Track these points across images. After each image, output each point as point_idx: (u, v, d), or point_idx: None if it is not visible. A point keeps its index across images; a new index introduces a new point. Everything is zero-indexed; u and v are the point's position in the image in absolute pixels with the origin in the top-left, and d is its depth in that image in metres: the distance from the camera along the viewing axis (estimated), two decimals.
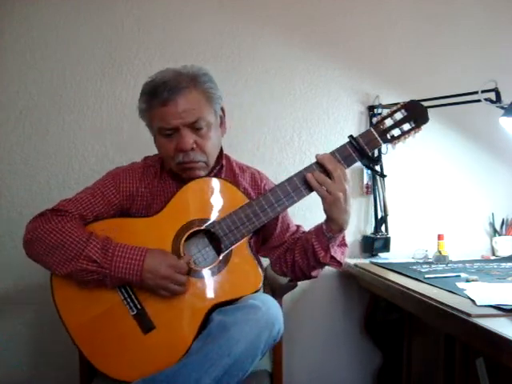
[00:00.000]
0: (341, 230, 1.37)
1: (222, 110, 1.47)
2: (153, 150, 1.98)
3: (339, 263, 1.44)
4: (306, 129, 2.17)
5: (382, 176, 1.43)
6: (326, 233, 1.37)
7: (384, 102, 2.14)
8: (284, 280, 1.59)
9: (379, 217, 2.13)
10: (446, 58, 2.25)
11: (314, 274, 1.48)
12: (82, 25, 2.03)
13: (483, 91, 1.78)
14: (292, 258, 1.48)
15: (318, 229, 1.41)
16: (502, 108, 1.78)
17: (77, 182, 2.01)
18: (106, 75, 2.04)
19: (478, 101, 1.80)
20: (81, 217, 1.36)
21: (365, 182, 2.16)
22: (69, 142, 2.02)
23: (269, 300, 1.28)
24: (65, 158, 2.01)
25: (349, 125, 2.20)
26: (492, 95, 1.80)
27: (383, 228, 2.13)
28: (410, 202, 2.18)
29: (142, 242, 1.31)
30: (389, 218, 2.13)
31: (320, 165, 1.34)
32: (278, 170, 2.11)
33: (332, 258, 1.41)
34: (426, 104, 1.99)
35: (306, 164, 2.14)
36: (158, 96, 1.35)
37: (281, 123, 2.15)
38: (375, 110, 2.14)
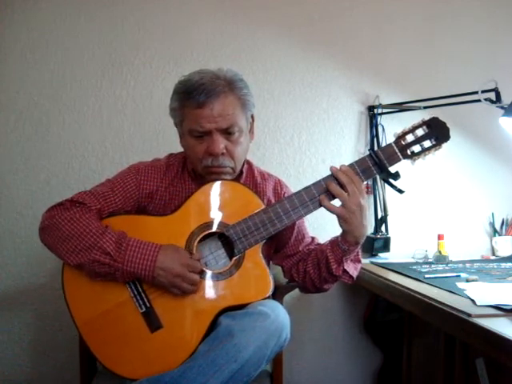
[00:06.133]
0: (357, 242, 1.36)
1: (252, 116, 1.48)
2: (152, 151, 1.99)
3: (351, 277, 1.44)
4: (305, 129, 2.17)
5: (400, 192, 1.43)
6: (340, 245, 1.37)
7: (384, 102, 2.14)
8: (285, 280, 1.59)
9: (379, 217, 2.13)
10: (446, 57, 2.25)
11: (325, 286, 1.47)
12: (82, 25, 2.03)
13: (483, 91, 1.78)
14: (304, 268, 1.48)
15: (334, 241, 1.41)
16: (502, 108, 1.78)
17: (77, 182, 2.01)
18: (106, 75, 2.04)
19: (478, 101, 1.80)
20: (98, 210, 1.37)
21: (365, 183, 2.16)
22: (69, 142, 2.02)
23: (278, 307, 1.28)
24: (65, 158, 2.01)
25: (349, 125, 2.20)
26: (492, 95, 1.80)
27: (383, 228, 2.13)
28: (410, 202, 2.18)
29: (156, 240, 1.31)
30: (389, 218, 2.14)
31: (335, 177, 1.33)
32: (278, 169, 2.11)
33: (344, 271, 1.40)
34: (425, 104, 2.04)
35: (306, 164, 2.18)
36: (194, 97, 1.34)
37: (281, 123, 2.15)
38: (375, 110, 2.15)
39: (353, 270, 1.43)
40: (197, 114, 1.35)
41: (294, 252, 1.52)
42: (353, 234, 1.34)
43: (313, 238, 1.57)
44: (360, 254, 1.45)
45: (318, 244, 1.54)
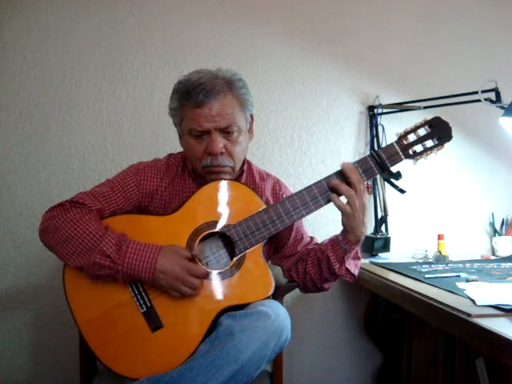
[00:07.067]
0: (358, 241, 1.37)
1: (251, 116, 1.48)
2: (152, 151, 1.99)
3: (353, 276, 1.44)
4: (305, 129, 2.17)
5: (402, 192, 1.43)
6: (342, 244, 1.37)
7: (384, 102, 2.14)
8: (285, 280, 1.59)
9: (379, 217, 2.13)
10: (446, 58, 2.25)
11: (326, 286, 1.47)
12: (82, 25, 2.02)
13: (483, 91, 1.78)
14: (304, 269, 1.48)
15: (334, 240, 1.41)
16: (502, 108, 1.78)
17: (77, 182, 2.01)
18: (106, 75, 2.04)
19: (478, 101, 1.80)
20: (98, 211, 1.36)
21: (365, 182, 2.16)
22: (69, 141, 2.02)
23: (278, 307, 1.28)
24: (65, 158, 2.01)
25: (349, 125, 2.20)
26: (492, 95, 1.80)
27: (383, 228, 2.13)
28: (410, 202, 2.18)
29: (156, 240, 1.31)
30: (389, 218, 2.14)
31: (341, 174, 1.33)
32: (278, 170, 2.11)
33: (346, 270, 1.41)
34: (425, 104, 2.04)
35: (306, 164, 2.18)
36: (193, 97, 1.34)
37: (281, 123, 2.15)
38: (375, 110, 2.15)
39: (354, 267, 1.44)
40: (196, 114, 1.35)
41: (292, 252, 1.52)
42: (355, 233, 1.35)
43: (311, 238, 1.57)
44: (359, 251, 1.46)
45: (317, 244, 1.54)
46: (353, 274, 1.44)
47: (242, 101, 1.41)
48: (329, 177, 1.35)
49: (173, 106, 1.43)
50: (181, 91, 1.39)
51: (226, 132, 1.37)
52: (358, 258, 1.47)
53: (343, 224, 1.35)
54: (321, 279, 1.45)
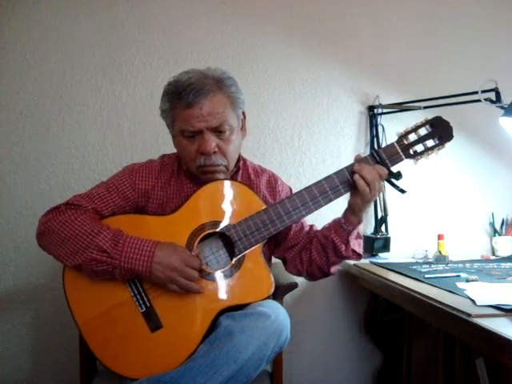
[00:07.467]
0: (359, 222, 1.40)
1: (243, 113, 1.47)
2: (152, 151, 1.99)
3: (359, 255, 1.46)
4: (305, 129, 2.17)
5: (402, 192, 1.43)
6: (344, 226, 1.39)
7: (384, 102, 2.14)
8: (285, 280, 1.59)
9: (379, 217, 2.13)
10: (446, 58, 2.25)
11: (332, 270, 1.49)
12: (82, 25, 2.03)
13: (483, 91, 1.78)
14: (308, 257, 1.49)
15: (336, 224, 1.43)
16: (502, 108, 1.78)
17: (77, 182, 2.01)
18: (106, 75, 2.04)
19: (478, 101, 1.80)
20: (94, 210, 1.36)
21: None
22: (69, 141, 2.02)
23: (278, 308, 1.28)
24: (65, 158, 2.01)
25: (349, 125, 2.20)
26: (492, 95, 1.80)
27: (383, 228, 2.13)
28: (410, 202, 2.18)
29: (156, 239, 1.31)
30: (389, 218, 2.13)
31: (343, 173, 1.34)
32: (278, 170, 2.09)
33: (352, 250, 1.43)
34: (425, 104, 2.04)
35: (306, 164, 2.18)
36: (183, 97, 1.34)
37: (281, 123, 2.15)
38: (375, 110, 2.15)
39: (358, 247, 1.45)
40: (187, 114, 1.35)
41: (295, 243, 1.52)
42: (360, 214, 1.38)
43: (311, 226, 1.57)
44: (360, 231, 1.47)
45: (317, 231, 1.54)
46: (359, 254, 1.45)
47: (233, 99, 1.40)
48: (328, 177, 1.35)
49: (164, 107, 1.42)
50: (171, 92, 1.38)
51: (217, 131, 1.37)
52: (360, 237, 1.48)
53: (353, 205, 1.36)
54: (328, 264, 1.46)
